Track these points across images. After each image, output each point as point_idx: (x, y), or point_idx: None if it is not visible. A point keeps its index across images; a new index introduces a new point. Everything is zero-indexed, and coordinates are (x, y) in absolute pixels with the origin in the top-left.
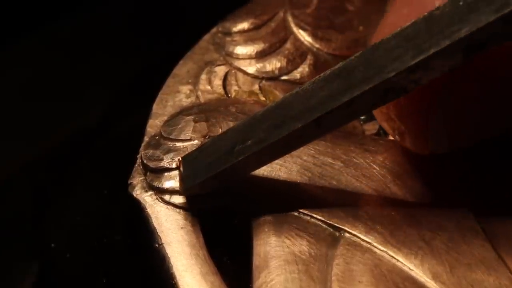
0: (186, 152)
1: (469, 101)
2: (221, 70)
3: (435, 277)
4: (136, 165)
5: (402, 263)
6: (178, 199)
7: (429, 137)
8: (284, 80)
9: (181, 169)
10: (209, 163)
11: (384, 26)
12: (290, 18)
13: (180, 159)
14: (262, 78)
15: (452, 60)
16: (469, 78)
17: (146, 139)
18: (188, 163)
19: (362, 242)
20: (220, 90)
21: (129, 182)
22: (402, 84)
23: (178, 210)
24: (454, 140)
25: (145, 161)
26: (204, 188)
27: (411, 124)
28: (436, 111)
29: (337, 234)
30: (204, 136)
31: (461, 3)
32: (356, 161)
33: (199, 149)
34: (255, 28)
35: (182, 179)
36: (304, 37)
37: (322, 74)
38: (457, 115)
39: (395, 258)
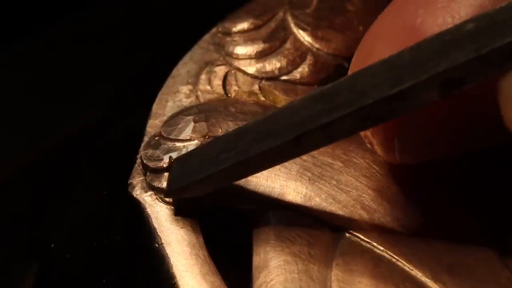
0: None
1: (436, 119)
2: (221, 70)
3: (435, 277)
4: (136, 165)
5: (402, 263)
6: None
7: (396, 151)
8: (284, 80)
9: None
10: (194, 169)
11: (369, 35)
12: (290, 18)
13: (172, 159)
14: (262, 78)
15: (429, 95)
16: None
17: (146, 139)
18: (178, 166)
19: (362, 242)
20: (220, 90)
21: (129, 182)
22: (379, 113)
23: (178, 210)
24: (422, 154)
25: (145, 161)
26: (187, 193)
27: (378, 138)
28: (402, 128)
29: (337, 234)
30: (204, 136)
31: (447, 37)
32: (356, 161)
33: (189, 153)
34: (255, 28)
35: (168, 182)
36: (304, 37)
37: (311, 93)
38: (425, 132)
39: (395, 258)
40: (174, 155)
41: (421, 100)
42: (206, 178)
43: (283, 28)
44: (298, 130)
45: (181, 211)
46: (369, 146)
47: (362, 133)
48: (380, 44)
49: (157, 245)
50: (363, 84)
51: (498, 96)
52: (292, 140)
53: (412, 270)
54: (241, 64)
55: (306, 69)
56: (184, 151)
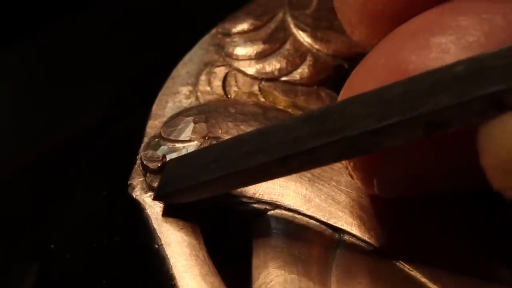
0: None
1: (415, 160)
2: (220, 71)
3: (435, 278)
4: (136, 166)
5: (402, 264)
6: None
7: (375, 187)
8: (284, 81)
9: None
10: (184, 175)
11: (360, 70)
12: (289, 19)
13: (165, 161)
14: (262, 79)
15: (413, 133)
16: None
17: (145, 140)
18: (169, 170)
19: (362, 243)
20: (219, 91)
21: (128, 183)
22: (364, 145)
23: (178, 211)
24: (400, 191)
25: (144, 162)
26: (174, 198)
27: (358, 174)
28: (381, 166)
29: (337, 235)
30: (204, 137)
31: (437, 76)
32: None
33: (182, 157)
34: (255, 29)
35: (158, 185)
36: (304, 38)
37: (304, 113)
38: (403, 172)
39: (395, 259)
40: (174, 155)
41: (406, 137)
42: (194, 187)
43: (283, 29)
44: (286, 151)
45: (169, 211)
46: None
47: (344, 163)
48: (370, 84)
49: (156, 246)
50: (352, 112)
51: (477, 144)
52: (279, 160)
53: (412, 271)
54: (241, 65)
55: (306, 70)
56: (184, 152)
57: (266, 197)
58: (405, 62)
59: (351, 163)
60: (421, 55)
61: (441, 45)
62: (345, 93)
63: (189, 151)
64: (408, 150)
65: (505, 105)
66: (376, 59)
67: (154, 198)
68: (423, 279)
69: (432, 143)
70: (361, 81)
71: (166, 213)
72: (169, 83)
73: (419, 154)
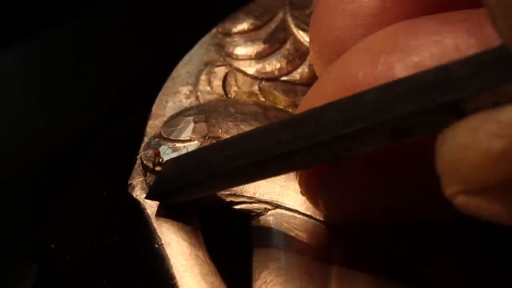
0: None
1: (355, 178)
2: (220, 70)
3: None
4: (136, 166)
5: (403, 260)
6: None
7: (321, 208)
8: (284, 81)
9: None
10: (173, 176)
11: (315, 84)
12: (290, 19)
13: (157, 160)
14: (262, 79)
15: (380, 138)
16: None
17: (146, 139)
18: (164, 170)
19: (362, 241)
20: (219, 90)
21: (129, 182)
22: (335, 150)
23: (178, 210)
24: (345, 215)
25: (145, 162)
26: (165, 199)
27: (302, 188)
28: (322, 187)
29: (337, 233)
30: (204, 137)
31: (408, 83)
32: None
33: (176, 159)
34: (255, 29)
35: (151, 185)
36: (304, 38)
37: (285, 118)
38: (345, 196)
39: (395, 255)
40: (174, 155)
41: (373, 142)
42: (180, 188)
43: (283, 28)
44: (263, 155)
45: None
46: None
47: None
48: (320, 98)
49: (157, 245)
50: (327, 118)
51: (436, 150)
52: (256, 164)
53: (412, 266)
54: (241, 65)
55: (306, 70)
56: (184, 152)
57: (266, 197)
58: (351, 77)
59: (297, 178)
60: (367, 72)
61: (387, 63)
62: (301, 107)
63: (189, 151)
64: (346, 169)
65: (465, 112)
66: (328, 74)
67: (146, 197)
68: (424, 273)
69: (368, 166)
70: (313, 95)
71: (161, 213)
72: (169, 83)
73: (357, 175)
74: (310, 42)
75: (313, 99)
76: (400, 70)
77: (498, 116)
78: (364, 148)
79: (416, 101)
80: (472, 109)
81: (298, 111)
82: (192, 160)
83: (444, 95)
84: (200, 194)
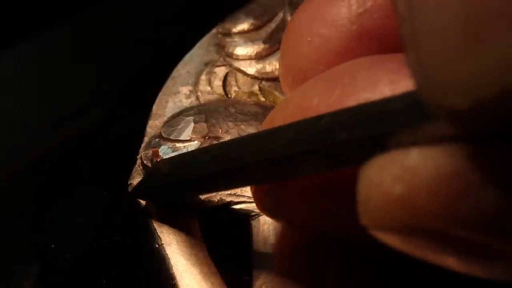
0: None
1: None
2: (221, 70)
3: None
4: (136, 166)
5: (402, 260)
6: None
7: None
8: None
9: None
10: (159, 177)
11: (278, 105)
12: (289, 19)
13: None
14: (262, 79)
15: (317, 163)
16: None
17: (146, 139)
18: (155, 169)
19: (361, 242)
20: (220, 90)
21: (129, 182)
22: (281, 168)
23: (177, 210)
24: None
25: (145, 162)
26: (146, 198)
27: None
28: (267, 204)
29: None
30: (204, 137)
31: (355, 112)
32: None
33: (169, 159)
34: (255, 29)
35: (137, 183)
36: None
37: (257, 132)
38: (288, 208)
39: (395, 255)
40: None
41: (312, 166)
42: (162, 190)
43: (283, 29)
44: (231, 164)
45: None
46: None
47: None
48: (279, 119)
49: (157, 245)
50: (285, 137)
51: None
52: (222, 172)
53: (412, 267)
54: (241, 65)
55: None
56: (184, 152)
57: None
58: (307, 102)
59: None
60: (322, 99)
61: (342, 94)
62: (264, 125)
63: (180, 153)
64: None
65: (388, 147)
66: (291, 97)
67: (128, 195)
68: (424, 273)
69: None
70: (274, 116)
71: (161, 213)
72: (169, 83)
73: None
74: (279, 62)
75: (274, 118)
76: (351, 103)
77: (404, 159)
78: (305, 171)
79: (352, 131)
80: (394, 145)
81: (263, 126)
82: (178, 163)
83: (373, 127)
84: (181, 197)
